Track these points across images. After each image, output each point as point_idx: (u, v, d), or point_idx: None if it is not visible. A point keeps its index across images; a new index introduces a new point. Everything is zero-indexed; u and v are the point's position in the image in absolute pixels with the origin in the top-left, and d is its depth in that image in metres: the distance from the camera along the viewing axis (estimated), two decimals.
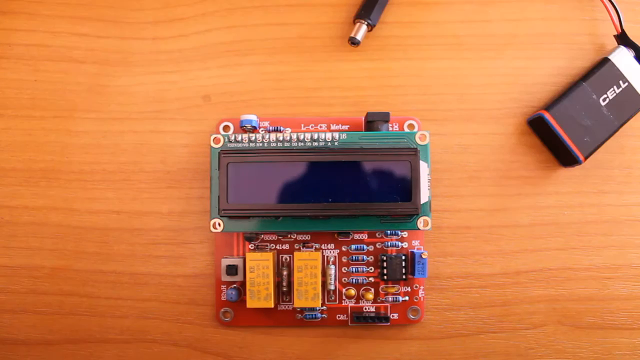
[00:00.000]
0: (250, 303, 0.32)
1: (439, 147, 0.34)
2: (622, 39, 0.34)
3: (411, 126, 0.34)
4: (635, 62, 0.33)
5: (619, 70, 0.33)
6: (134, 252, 0.34)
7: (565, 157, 0.34)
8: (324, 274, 0.33)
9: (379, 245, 0.34)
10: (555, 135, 0.33)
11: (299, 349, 0.34)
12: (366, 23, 0.34)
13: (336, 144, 0.31)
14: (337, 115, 0.35)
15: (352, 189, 0.30)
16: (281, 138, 0.31)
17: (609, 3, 0.34)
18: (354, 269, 0.34)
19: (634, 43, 0.34)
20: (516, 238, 0.34)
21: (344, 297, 0.34)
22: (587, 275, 0.34)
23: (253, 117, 0.32)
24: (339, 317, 0.33)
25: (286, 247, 0.34)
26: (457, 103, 0.35)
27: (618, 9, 0.33)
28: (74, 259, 0.34)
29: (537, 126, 0.34)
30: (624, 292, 0.34)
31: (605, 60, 0.34)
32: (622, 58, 0.33)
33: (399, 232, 0.34)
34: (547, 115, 0.33)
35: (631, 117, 0.33)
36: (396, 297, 0.33)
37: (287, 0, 0.35)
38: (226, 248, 0.34)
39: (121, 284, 0.34)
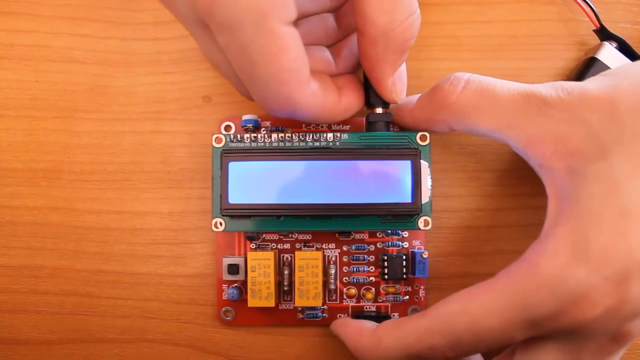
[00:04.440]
0: (252, 302, 0.32)
1: (439, 147, 0.35)
2: (603, 33, 0.34)
3: None
4: (619, 54, 0.33)
5: (608, 67, 0.33)
6: (134, 252, 0.34)
7: None
8: (325, 273, 0.33)
9: (379, 244, 0.34)
10: None
11: (300, 348, 0.34)
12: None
13: (337, 143, 0.31)
14: None
15: (353, 188, 0.31)
16: (283, 138, 0.31)
17: (582, 1, 0.34)
18: (354, 269, 0.34)
19: (614, 35, 0.34)
20: (515, 238, 0.34)
21: (344, 297, 0.34)
22: None
23: (255, 117, 0.33)
24: (340, 316, 0.34)
25: (287, 246, 0.34)
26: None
27: (591, 4, 0.34)
28: (74, 259, 0.34)
29: None
30: None
31: (592, 60, 0.33)
32: (607, 53, 0.33)
33: (400, 232, 0.34)
34: None
35: None
36: (397, 297, 0.34)
37: None
38: (227, 247, 0.34)
39: (122, 283, 0.34)
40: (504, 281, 0.26)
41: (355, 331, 0.31)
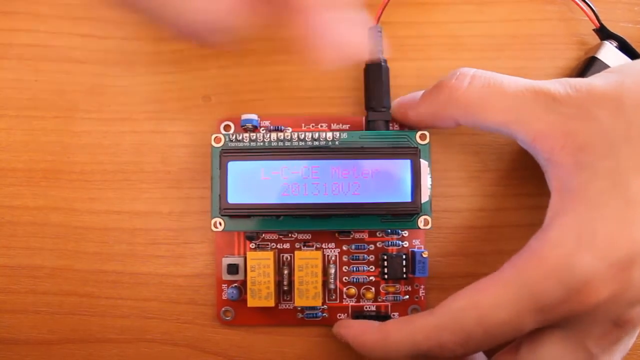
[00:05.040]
0: (251, 302, 0.32)
1: (439, 146, 0.34)
2: (603, 32, 0.34)
3: None
4: (620, 53, 0.33)
5: (608, 66, 0.33)
6: (134, 252, 0.34)
7: None
8: (325, 273, 0.33)
9: (379, 244, 0.34)
10: None
11: (300, 348, 0.34)
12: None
13: (337, 143, 0.31)
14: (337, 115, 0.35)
15: (353, 188, 0.31)
16: (282, 137, 0.31)
17: (581, 1, 0.34)
18: (354, 268, 0.34)
19: (615, 34, 0.33)
20: (516, 238, 0.34)
21: (344, 296, 0.34)
22: None
23: (254, 117, 0.33)
24: (339, 316, 0.34)
25: (287, 246, 0.34)
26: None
27: (591, 4, 0.34)
28: (74, 259, 0.34)
29: None
30: None
31: (593, 59, 0.33)
32: (607, 53, 0.33)
33: (400, 231, 0.34)
34: None
35: None
36: (397, 296, 0.33)
37: None
38: (227, 247, 0.34)
39: (121, 283, 0.34)
40: (510, 273, 0.27)
41: (359, 329, 0.31)
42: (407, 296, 0.34)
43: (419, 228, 0.31)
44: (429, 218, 0.31)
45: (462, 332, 0.27)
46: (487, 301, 0.27)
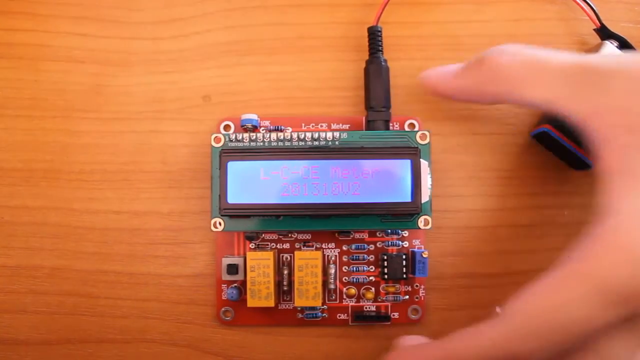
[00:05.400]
0: (251, 302, 0.32)
1: (439, 147, 0.34)
2: (603, 32, 0.34)
3: (412, 125, 0.34)
4: (620, 52, 0.33)
5: None
6: (133, 252, 0.34)
7: (575, 163, 0.33)
8: (325, 273, 0.33)
9: (379, 244, 0.34)
10: (563, 146, 0.32)
11: (300, 349, 0.34)
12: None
13: (337, 143, 0.31)
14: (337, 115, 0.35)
15: (353, 188, 0.30)
16: (282, 137, 0.31)
17: (582, 1, 0.34)
18: (354, 268, 0.34)
19: (615, 34, 0.33)
20: (516, 238, 0.34)
21: (344, 296, 0.34)
22: None
23: (254, 117, 0.33)
24: (339, 316, 0.34)
25: (287, 246, 0.34)
26: (457, 103, 0.35)
27: (591, 4, 0.34)
28: (73, 259, 0.34)
29: (542, 138, 0.33)
30: None
31: None
32: (608, 52, 0.33)
33: (400, 231, 0.34)
34: (551, 129, 0.32)
35: None
36: (397, 297, 0.33)
37: (287, 0, 0.35)
38: (227, 247, 0.34)
39: (121, 283, 0.34)
40: (580, 265, 0.25)
41: (416, 355, 0.28)
42: (407, 296, 0.34)
43: (419, 228, 0.31)
44: (429, 218, 0.31)
45: (538, 337, 0.25)
46: (562, 299, 0.24)
